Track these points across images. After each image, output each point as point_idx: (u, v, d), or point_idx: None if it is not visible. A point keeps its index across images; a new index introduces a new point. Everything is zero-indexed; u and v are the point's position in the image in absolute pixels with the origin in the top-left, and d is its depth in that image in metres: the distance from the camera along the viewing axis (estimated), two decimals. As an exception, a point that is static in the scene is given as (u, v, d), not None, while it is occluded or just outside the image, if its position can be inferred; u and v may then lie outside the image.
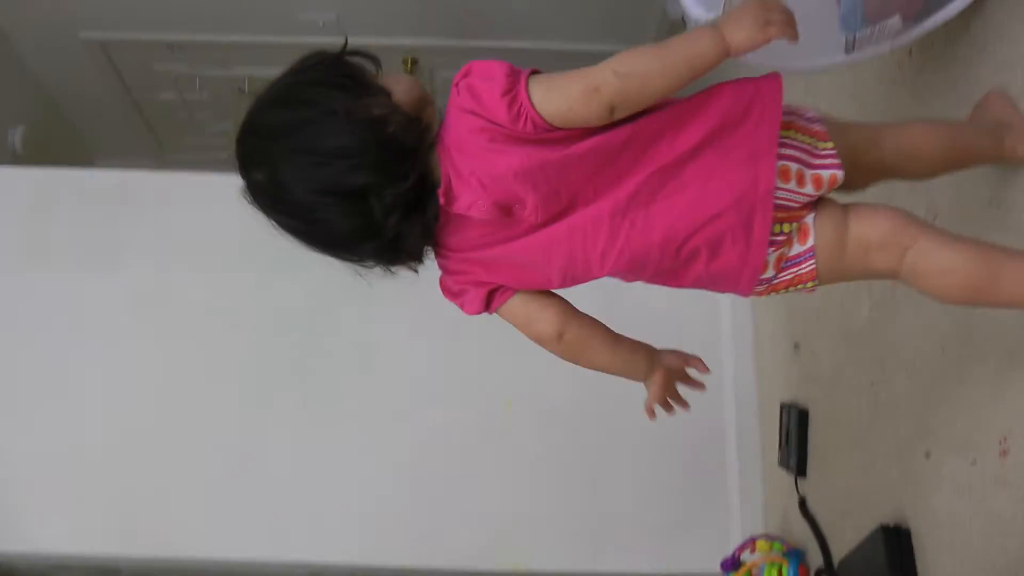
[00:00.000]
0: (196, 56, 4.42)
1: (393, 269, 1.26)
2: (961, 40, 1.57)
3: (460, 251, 1.26)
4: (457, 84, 1.22)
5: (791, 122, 1.23)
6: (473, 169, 1.18)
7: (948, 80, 1.63)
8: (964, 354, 1.57)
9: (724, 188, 1.17)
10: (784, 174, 1.18)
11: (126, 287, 2.89)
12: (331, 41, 4.30)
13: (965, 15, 1.51)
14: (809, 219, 1.21)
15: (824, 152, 1.22)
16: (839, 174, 1.20)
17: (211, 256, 2.90)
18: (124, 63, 4.50)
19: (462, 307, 1.31)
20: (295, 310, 2.84)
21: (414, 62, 4.41)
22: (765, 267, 1.20)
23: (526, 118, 1.16)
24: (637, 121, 1.17)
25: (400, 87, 1.25)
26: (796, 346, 2.46)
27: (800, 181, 1.19)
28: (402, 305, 2.58)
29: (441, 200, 1.20)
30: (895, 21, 1.50)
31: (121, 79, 4.63)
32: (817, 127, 1.25)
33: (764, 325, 2.74)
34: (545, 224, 1.21)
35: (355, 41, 4.35)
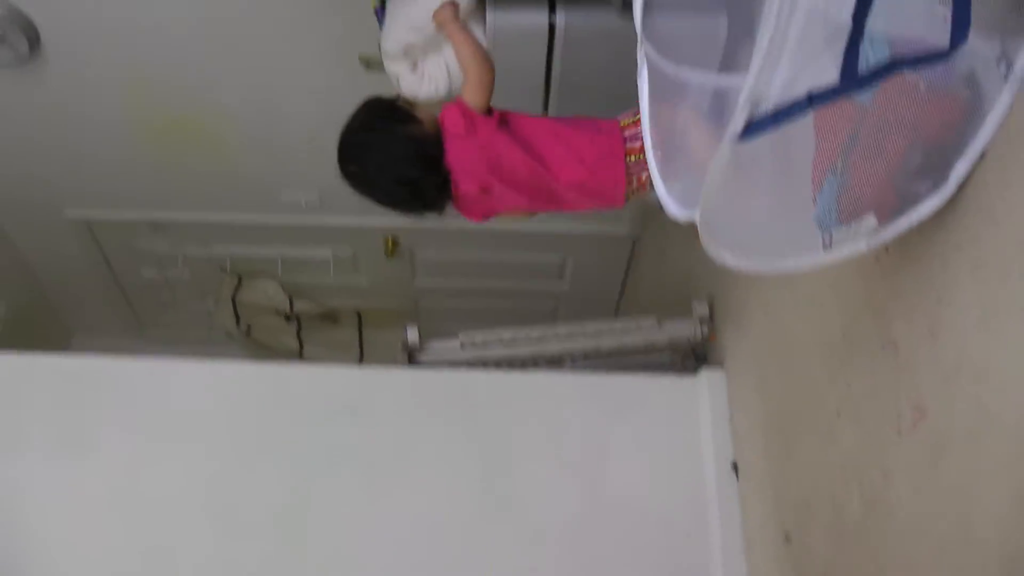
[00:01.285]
0: (179, 235, 4.47)
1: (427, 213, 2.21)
2: (936, 238, 1.59)
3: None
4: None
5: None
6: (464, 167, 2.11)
7: (926, 277, 1.63)
8: (963, 561, 1.51)
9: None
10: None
11: (100, 472, 2.78)
12: (312, 221, 4.28)
13: (938, 216, 1.52)
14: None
15: None
16: None
17: (189, 442, 2.82)
18: (107, 241, 4.54)
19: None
20: (272, 496, 2.74)
21: (395, 242, 4.45)
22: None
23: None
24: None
25: (426, 117, 2.15)
26: (787, 538, 2.38)
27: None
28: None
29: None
30: (870, 220, 1.51)
31: (104, 256, 4.66)
32: None
33: (752, 514, 2.67)
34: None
35: (337, 221, 4.37)
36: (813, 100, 1.18)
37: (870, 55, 1.26)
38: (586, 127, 2.22)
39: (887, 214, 1.51)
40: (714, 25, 1.75)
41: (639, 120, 1.96)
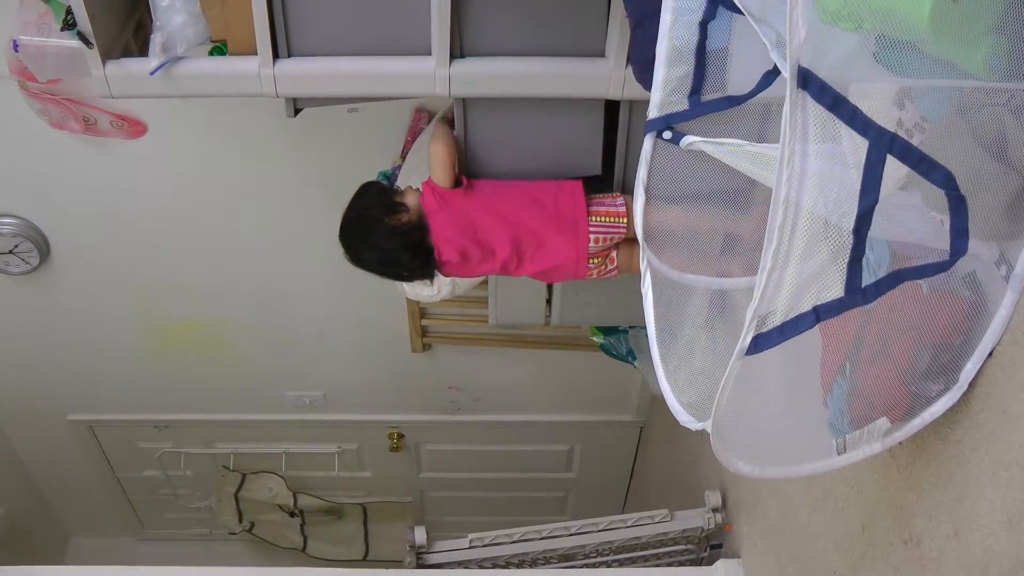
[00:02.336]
0: (182, 434, 4.43)
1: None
2: (952, 437, 1.57)
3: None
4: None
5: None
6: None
7: (945, 475, 1.60)
8: None
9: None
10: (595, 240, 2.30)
11: None
12: (317, 417, 4.23)
13: (952, 414, 1.51)
14: (613, 253, 2.34)
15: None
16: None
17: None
18: (109, 441, 4.51)
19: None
20: None
21: (400, 436, 4.41)
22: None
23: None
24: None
25: (411, 202, 2.34)
26: None
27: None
28: None
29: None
30: (882, 422, 1.50)
31: (105, 457, 4.61)
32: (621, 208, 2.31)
33: None
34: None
35: (342, 417, 4.33)
36: (820, 314, 1.18)
37: (871, 257, 1.28)
38: (546, 221, 2.33)
39: (900, 414, 1.49)
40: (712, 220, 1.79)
41: (603, 197, 2.32)
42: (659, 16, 1.57)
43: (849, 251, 1.16)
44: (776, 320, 1.18)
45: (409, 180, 2.81)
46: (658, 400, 3.90)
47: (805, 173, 1.08)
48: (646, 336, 3.17)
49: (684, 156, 1.61)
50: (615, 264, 2.33)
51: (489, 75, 2.20)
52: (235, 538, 4.90)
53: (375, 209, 2.34)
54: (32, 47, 2.24)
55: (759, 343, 1.18)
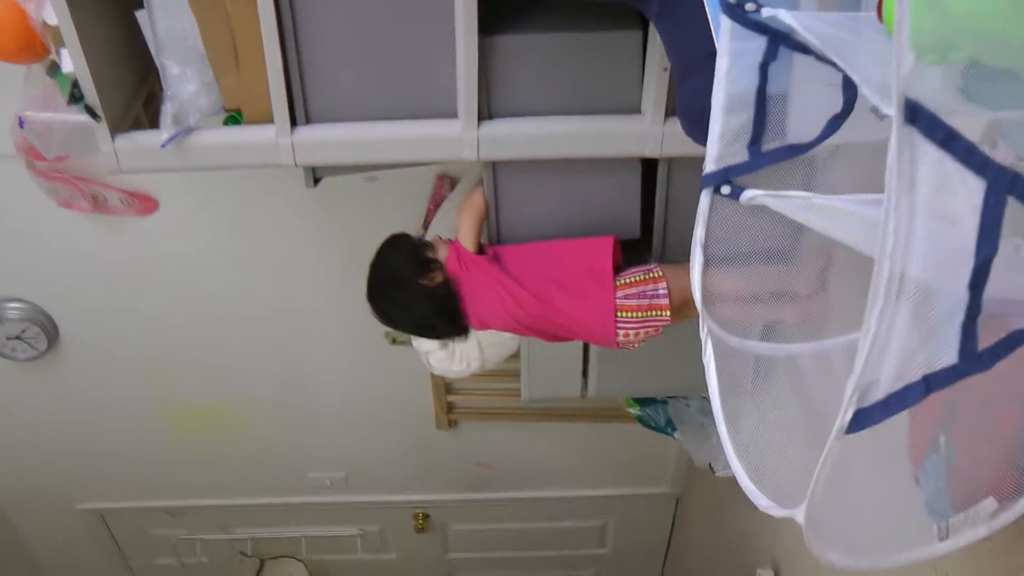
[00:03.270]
0: (197, 520, 4.26)
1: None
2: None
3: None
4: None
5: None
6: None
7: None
8: None
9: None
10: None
11: None
12: (339, 499, 4.03)
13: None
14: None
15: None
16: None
17: None
18: (120, 529, 4.34)
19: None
20: None
21: (425, 516, 4.23)
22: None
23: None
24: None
25: (443, 256, 2.20)
26: None
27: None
28: None
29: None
30: (988, 503, 1.33)
31: (116, 544, 4.44)
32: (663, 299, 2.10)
33: None
34: None
35: (365, 498, 4.13)
36: (931, 385, 1.03)
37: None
38: (576, 293, 2.15)
39: (1007, 492, 1.33)
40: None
41: (638, 282, 2.11)
42: (711, 61, 1.45)
43: (964, 311, 1.01)
44: (879, 393, 1.03)
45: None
46: (697, 470, 3.72)
47: (914, 221, 0.94)
48: (686, 406, 3.03)
49: (743, 213, 1.47)
50: (660, 332, 2.16)
51: (519, 137, 2.08)
52: (255, 628, 4.68)
53: (407, 269, 2.20)
54: (38, 123, 2.14)
55: (861, 419, 1.03)
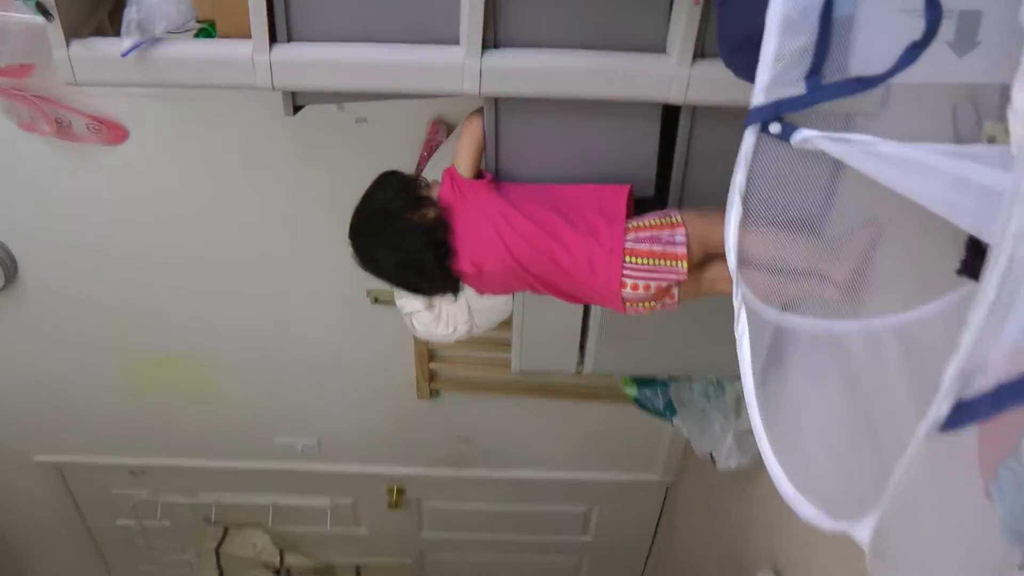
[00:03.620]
0: (160, 481, 4.03)
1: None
2: None
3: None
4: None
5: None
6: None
7: None
8: None
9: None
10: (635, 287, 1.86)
11: None
12: (309, 467, 3.74)
13: None
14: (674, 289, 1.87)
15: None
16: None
17: None
18: (80, 486, 4.11)
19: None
20: None
21: (400, 491, 4.00)
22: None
23: None
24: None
25: (435, 192, 1.98)
26: None
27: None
28: None
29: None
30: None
31: (75, 503, 4.21)
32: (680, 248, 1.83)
33: None
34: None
35: (337, 468, 3.83)
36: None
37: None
38: (582, 228, 1.90)
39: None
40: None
41: (653, 226, 1.86)
42: (763, -24, 1.21)
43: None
44: (988, 382, 0.79)
45: None
46: (690, 459, 3.50)
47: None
48: (689, 389, 2.80)
49: (792, 158, 1.24)
50: (675, 300, 1.90)
51: (527, 70, 1.83)
52: (215, 597, 4.46)
53: (397, 202, 1.96)
54: (-16, 23, 1.89)
55: (963, 414, 0.79)
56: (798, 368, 1.29)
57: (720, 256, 1.85)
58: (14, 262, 3.05)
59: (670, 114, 1.96)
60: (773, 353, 1.33)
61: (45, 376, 3.47)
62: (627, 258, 1.84)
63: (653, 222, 1.87)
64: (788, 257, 1.31)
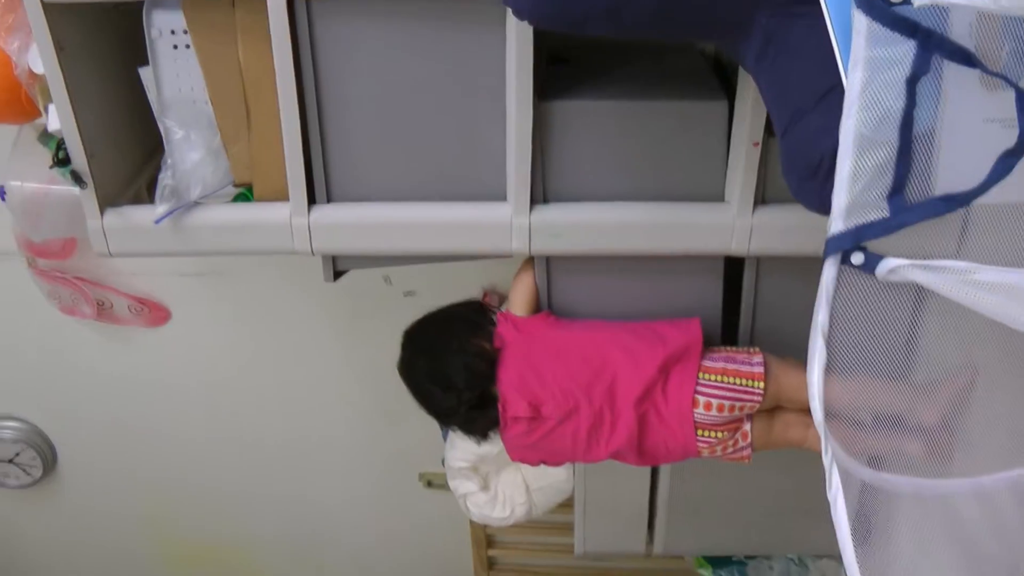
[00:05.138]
0: None
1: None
2: None
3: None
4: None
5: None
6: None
7: None
8: None
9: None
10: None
11: None
12: None
13: None
14: (747, 426, 1.72)
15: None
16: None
17: None
18: None
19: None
20: None
21: None
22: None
23: None
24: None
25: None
26: None
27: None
28: None
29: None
30: None
31: None
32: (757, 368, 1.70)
33: None
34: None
35: None
36: None
37: None
38: (647, 338, 1.77)
39: None
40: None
41: (728, 350, 1.76)
42: (831, 98, 1.11)
43: None
44: None
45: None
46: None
47: None
48: (769, 568, 2.55)
49: (878, 291, 1.09)
50: (748, 441, 1.73)
51: (579, 225, 1.73)
52: None
53: (464, 322, 1.87)
54: (24, 196, 1.86)
55: None
56: (902, 530, 1.10)
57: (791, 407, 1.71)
58: (53, 451, 2.97)
59: (734, 265, 1.84)
60: (868, 517, 1.15)
61: (84, 567, 3.31)
62: (700, 375, 1.70)
63: (727, 349, 1.77)
64: (874, 403, 1.14)
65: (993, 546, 1.07)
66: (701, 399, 1.69)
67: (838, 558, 1.17)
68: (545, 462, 1.90)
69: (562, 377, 1.74)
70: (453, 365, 1.80)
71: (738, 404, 1.68)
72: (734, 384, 1.68)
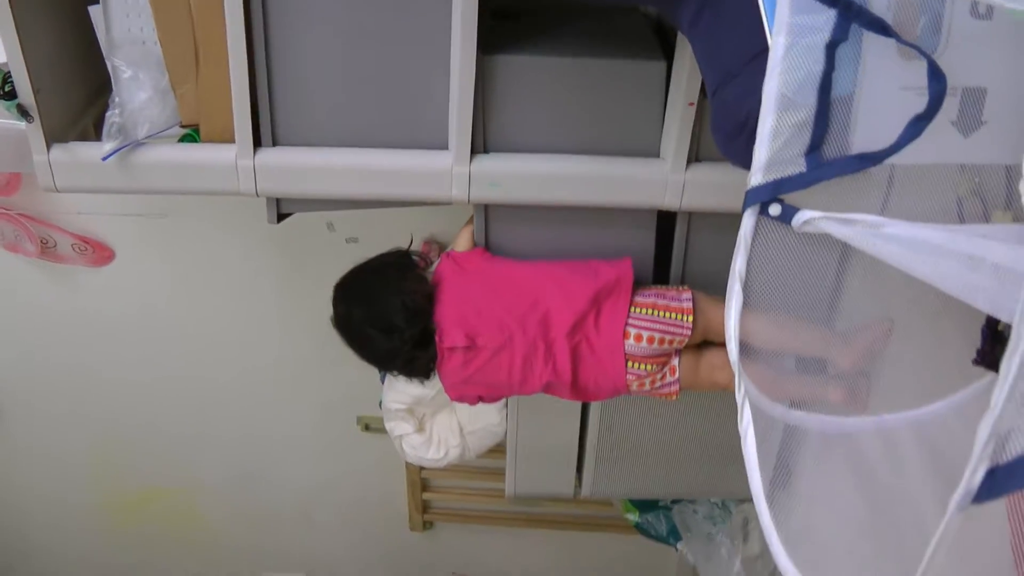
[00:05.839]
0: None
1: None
2: None
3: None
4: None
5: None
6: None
7: None
8: None
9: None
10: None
11: None
12: None
13: None
14: (675, 361, 1.79)
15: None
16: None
17: None
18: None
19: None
20: None
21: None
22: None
23: None
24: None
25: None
26: None
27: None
28: None
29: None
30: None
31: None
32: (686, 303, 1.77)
33: None
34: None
35: None
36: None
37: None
38: (580, 272, 1.84)
39: None
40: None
41: (658, 288, 1.83)
42: (757, 62, 1.17)
43: None
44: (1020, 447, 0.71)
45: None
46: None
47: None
48: (693, 512, 2.66)
49: (794, 242, 1.17)
50: (676, 376, 1.80)
51: (517, 175, 1.79)
52: None
53: (394, 267, 1.90)
54: (-32, 130, 1.86)
55: (1000, 482, 0.70)
56: (809, 469, 1.19)
57: (719, 344, 1.77)
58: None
59: (666, 218, 1.92)
60: (781, 454, 1.23)
61: (26, 511, 3.32)
62: (632, 309, 1.77)
63: (659, 286, 1.85)
64: (792, 345, 1.23)
65: (892, 479, 1.16)
66: (632, 331, 1.76)
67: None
68: (483, 398, 1.93)
69: (497, 309, 1.80)
70: (392, 306, 1.82)
71: (667, 337, 1.75)
72: (664, 318, 1.76)
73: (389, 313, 1.82)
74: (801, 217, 1.13)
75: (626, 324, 1.76)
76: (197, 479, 3.22)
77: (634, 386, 1.81)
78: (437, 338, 1.82)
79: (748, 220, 1.17)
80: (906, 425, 1.24)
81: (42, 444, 3.13)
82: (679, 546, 2.74)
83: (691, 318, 1.75)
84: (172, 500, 3.29)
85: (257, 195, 1.81)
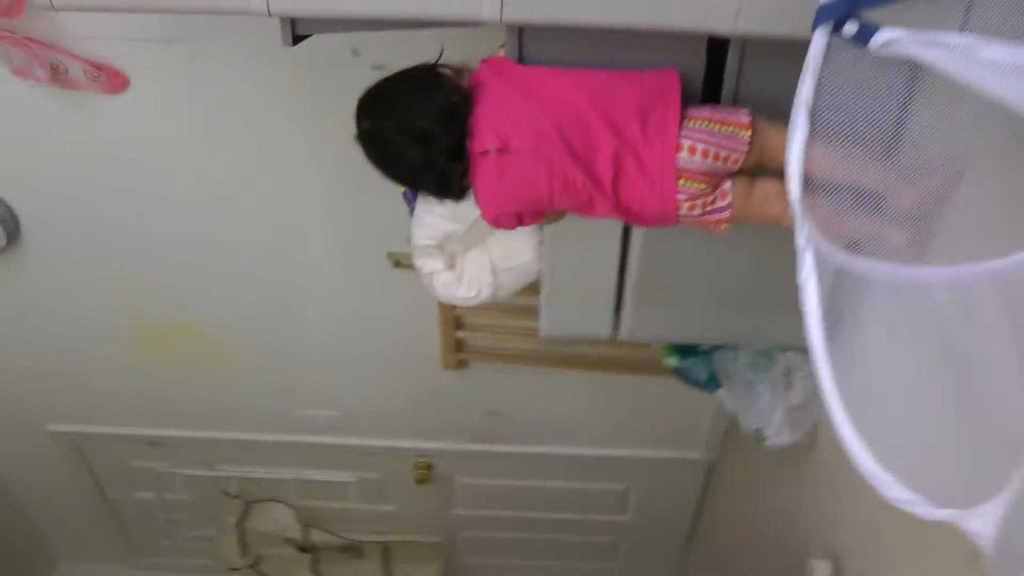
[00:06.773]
0: (179, 453, 3.88)
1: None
2: None
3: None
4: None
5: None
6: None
7: None
8: None
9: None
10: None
11: None
12: (332, 441, 3.52)
13: None
14: (727, 184, 1.64)
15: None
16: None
17: None
18: (97, 458, 3.97)
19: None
20: None
21: (428, 466, 3.82)
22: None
23: None
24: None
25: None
26: None
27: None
28: None
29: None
30: None
31: (93, 475, 4.08)
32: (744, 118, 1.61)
33: None
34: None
35: (360, 442, 3.60)
36: None
37: None
38: (632, 79, 1.68)
39: None
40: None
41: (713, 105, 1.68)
42: None
43: None
44: None
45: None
46: (736, 436, 3.27)
47: None
48: (735, 359, 2.57)
49: (870, 66, 1.01)
50: (728, 200, 1.65)
51: (554, -7, 1.61)
52: (238, 574, 4.32)
53: (423, 78, 1.76)
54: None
55: None
56: (873, 323, 1.07)
57: (772, 173, 1.61)
58: (16, 220, 2.90)
59: (715, 50, 1.73)
60: (843, 310, 1.11)
61: (54, 341, 3.32)
62: (685, 121, 1.62)
63: (712, 104, 1.70)
64: (854, 177, 1.08)
65: (965, 338, 1.04)
66: (686, 142, 1.61)
67: (804, 351, 1.14)
68: (521, 218, 1.79)
69: (534, 112, 1.66)
70: (427, 110, 1.70)
71: (723, 152, 1.60)
72: (720, 131, 1.61)
73: (425, 118, 1.70)
74: (881, 37, 0.97)
75: (679, 136, 1.61)
76: (226, 316, 3.19)
77: (684, 208, 1.65)
78: (468, 144, 1.69)
79: (819, 40, 1.01)
80: (986, 277, 1.10)
81: (68, 274, 3.08)
82: (718, 394, 2.67)
83: (749, 133, 1.60)
84: (203, 335, 3.27)
85: (269, 14, 1.65)
